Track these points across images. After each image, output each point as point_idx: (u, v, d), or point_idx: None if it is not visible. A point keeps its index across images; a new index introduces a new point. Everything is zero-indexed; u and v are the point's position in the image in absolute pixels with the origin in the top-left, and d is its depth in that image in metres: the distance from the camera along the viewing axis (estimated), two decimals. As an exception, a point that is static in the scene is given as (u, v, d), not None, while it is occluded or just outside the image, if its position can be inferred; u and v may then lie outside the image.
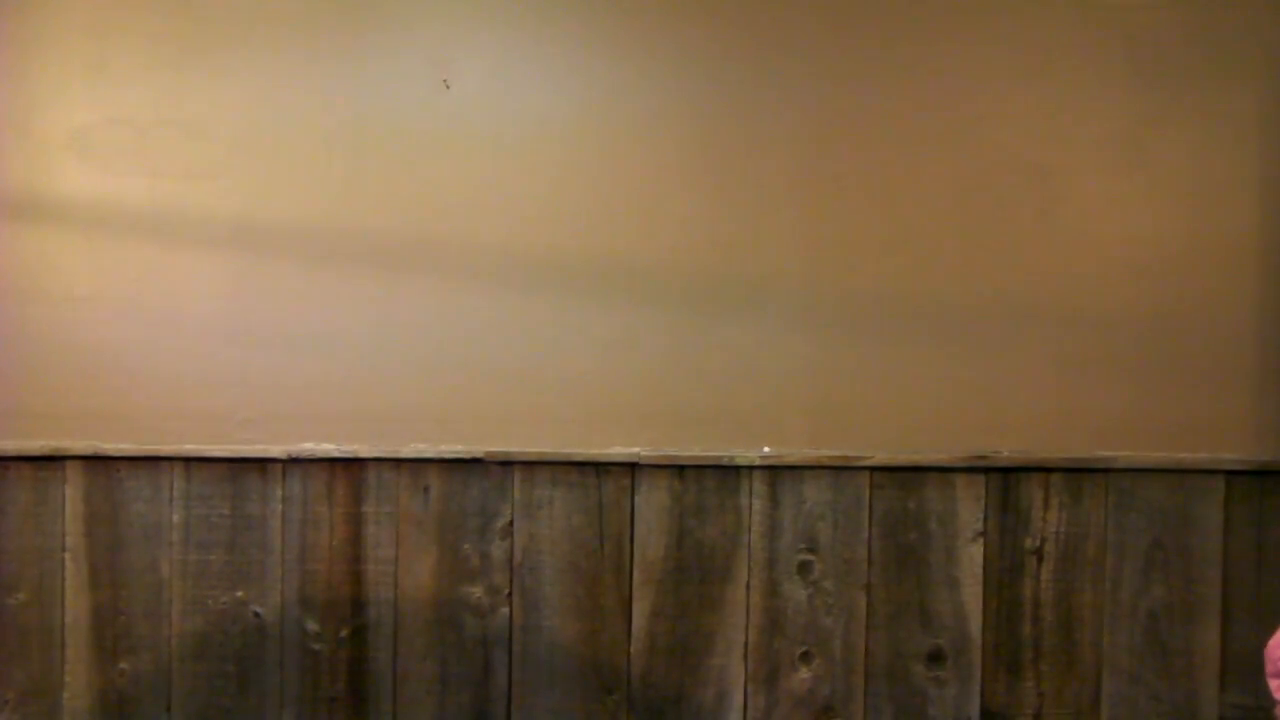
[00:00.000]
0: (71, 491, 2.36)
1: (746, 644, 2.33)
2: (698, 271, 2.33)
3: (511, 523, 2.34)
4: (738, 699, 2.33)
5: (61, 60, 2.37)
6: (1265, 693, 1.78)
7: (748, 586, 2.32)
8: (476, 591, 2.34)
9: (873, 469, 2.31)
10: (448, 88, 2.35)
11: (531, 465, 2.33)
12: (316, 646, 2.36)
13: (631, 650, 2.33)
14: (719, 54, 2.34)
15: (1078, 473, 2.30)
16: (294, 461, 2.35)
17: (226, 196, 2.36)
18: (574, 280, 2.34)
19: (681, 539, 2.33)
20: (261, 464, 2.35)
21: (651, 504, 2.33)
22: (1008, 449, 2.31)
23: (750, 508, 2.32)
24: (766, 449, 2.32)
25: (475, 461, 2.33)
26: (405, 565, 2.35)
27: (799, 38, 2.33)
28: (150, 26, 2.36)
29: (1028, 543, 2.31)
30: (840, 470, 2.31)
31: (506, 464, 2.34)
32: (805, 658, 2.32)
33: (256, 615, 2.36)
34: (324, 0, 2.36)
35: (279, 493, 2.35)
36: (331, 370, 2.36)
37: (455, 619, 2.35)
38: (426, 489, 2.35)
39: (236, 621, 2.36)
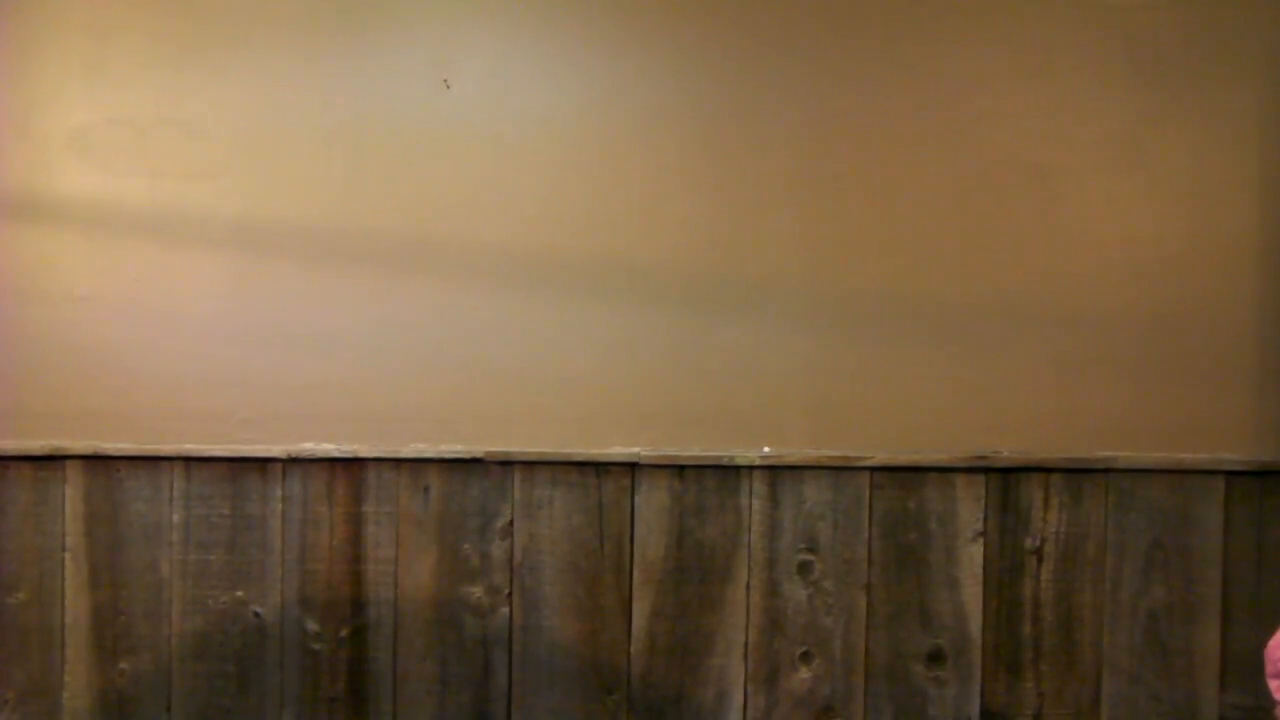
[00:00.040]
0: (71, 491, 2.36)
1: (746, 644, 2.33)
2: (698, 271, 2.33)
3: (511, 523, 2.34)
4: (738, 699, 2.33)
5: (61, 60, 2.37)
6: (1265, 693, 1.78)
7: (748, 586, 2.32)
8: (476, 591, 2.34)
9: (873, 469, 2.31)
10: (448, 87, 2.35)
11: (531, 465, 2.33)
12: (316, 646, 2.36)
13: (631, 650, 2.33)
14: (719, 53, 2.34)
15: (1078, 473, 2.30)
16: (294, 461, 2.35)
17: (226, 196, 2.36)
18: (574, 280, 2.34)
19: (681, 539, 2.33)
20: (261, 464, 2.35)
21: (651, 504, 2.33)
22: (1008, 449, 2.31)
23: (750, 508, 2.32)
24: (766, 449, 2.32)
25: (475, 461, 2.33)
26: (405, 565, 2.35)
27: (799, 37, 2.33)
28: (150, 26, 2.36)
29: (1028, 543, 2.31)
30: (840, 470, 2.31)
31: (506, 464, 2.34)
32: (805, 658, 2.32)
33: (256, 615, 2.36)
34: (324, 0, 2.36)
35: (279, 492, 2.35)
36: (331, 370, 2.36)
37: (455, 619, 2.35)
38: (426, 489, 2.35)
39: (236, 621, 2.36)
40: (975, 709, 2.31)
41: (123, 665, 2.37)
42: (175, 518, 2.36)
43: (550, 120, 2.35)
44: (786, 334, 2.33)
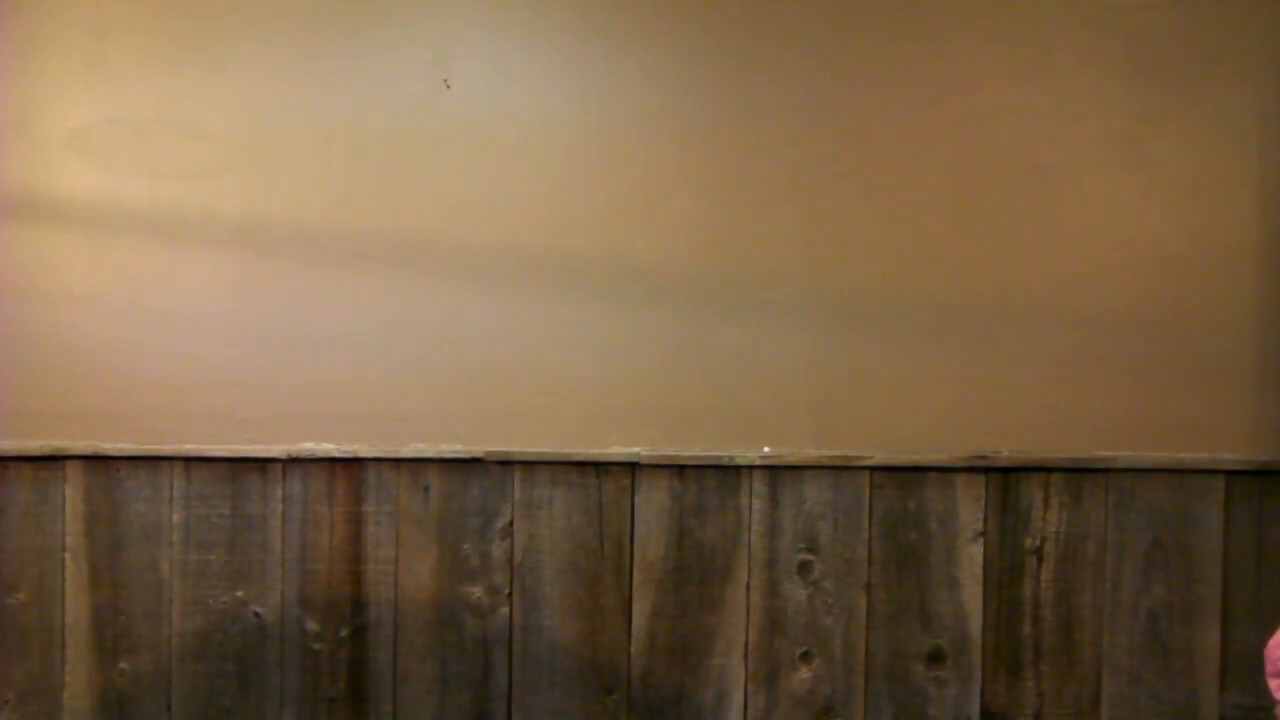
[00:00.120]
0: (71, 491, 2.36)
1: (746, 644, 2.33)
2: (698, 270, 2.33)
3: (511, 522, 2.34)
4: (738, 699, 2.33)
5: (61, 59, 2.36)
6: (1265, 692, 1.78)
7: (748, 586, 2.32)
8: (477, 591, 2.34)
9: (873, 469, 2.31)
10: (448, 87, 2.35)
11: (532, 465, 2.33)
12: (316, 646, 2.36)
13: (632, 650, 2.33)
14: (720, 51, 2.34)
15: (1078, 473, 2.30)
16: (294, 461, 2.35)
17: (226, 196, 2.36)
18: (574, 279, 2.34)
19: (682, 539, 2.33)
20: (262, 464, 2.35)
21: (652, 504, 2.33)
22: (1008, 449, 2.31)
23: (750, 507, 2.32)
24: (766, 449, 2.32)
25: (475, 461, 2.33)
26: (405, 565, 2.35)
27: (800, 36, 2.33)
28: (150, 26, 2.36)
29: (1028, 543, 2.31)
30: (840, 470, 2.31)
31: (506, 464, 2.34)
32: (805, 658, 2.32)
33: (257, 615, 2.36)
34: (324, -1, 2.37)
35: (279, 492, 2.35)
36: (331, 370, 2.35)
37: (455, 619, 2.35)
38: (426, 489, 2.35)
39: (236, 621, 2.36)
40: (975, 709, 2.31)
41: (123, 665, 2.37)
42: (175, 518, 2.36)
43: (550, 119, 2.35)
44: (786, 333, 2.33)
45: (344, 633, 2.35)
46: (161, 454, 2.35)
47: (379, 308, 2.35)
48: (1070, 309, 2.31)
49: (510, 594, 2.34)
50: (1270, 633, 1.79)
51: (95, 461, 2.36)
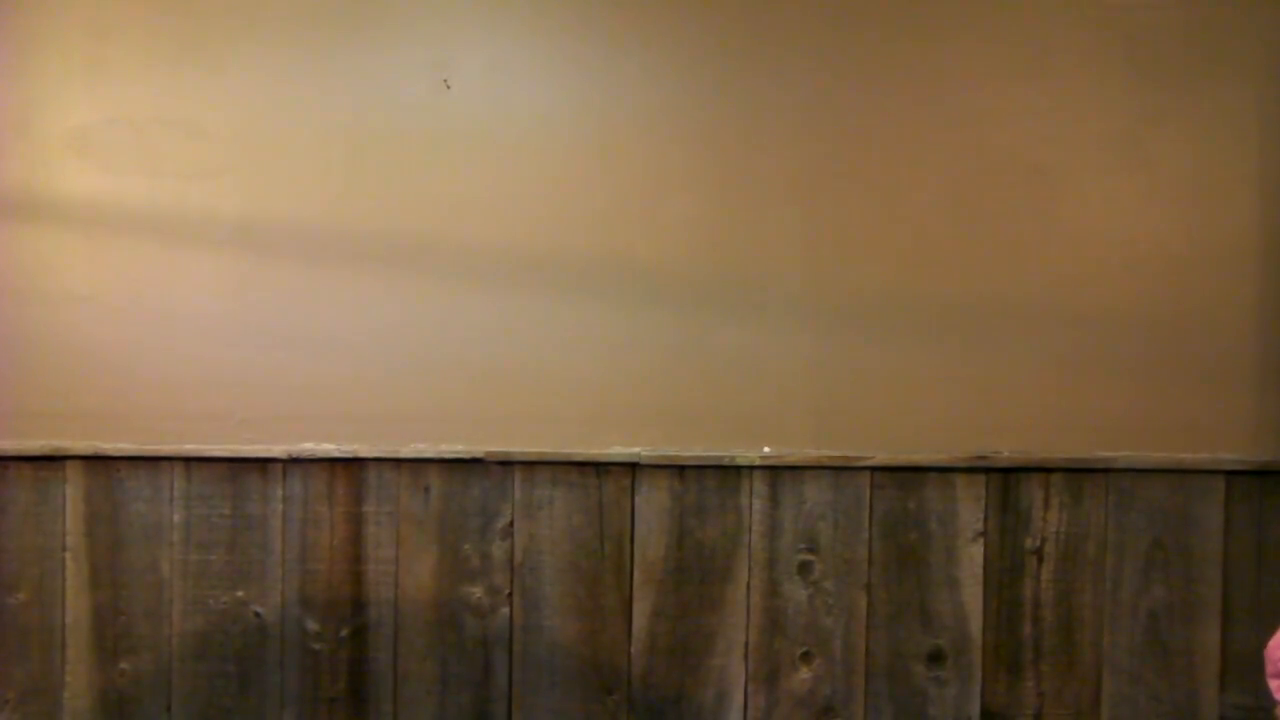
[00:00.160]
0: (72, 491, 2.36)
1: (747, 644, 2.33)
2: (698, 271, 2.33)
3: (512, 523, 2.34)
4: (738, 699, 2.33)
5: (60, 59, 2.36)
6: (1265, 693, 1.78)
7: (748, 586, 2.33)
8: (477, 591, 2.34)
9: (873, 469, 2.31)
10: (448, 87, 2.35)
11: (532, 465, 2.33)
12: (317, 646, 2.36)
13: (632, 650, 2.33)
14: (720, 51, 2.34)
15: (1078, 473, 2.30)
16: (294, 461, 2.35)
17: (226, 196, 2.36)
18: (575, 279, 2.34)
19: (682, 539, 2.33)
20: (262, 464, 2.35)
21: (652, 504, 2.33)
22: (1008, 449, 2.31)
23: (751, 508, 2.32)
24: (767, 449, 2.32)
25: (476, 461, 2.33)
26: (406, 565, 2.35)
27: (800, 35, 2.33)
28: (149, 25, 2.36)
29: (1028, 543, 2.31)
30: (841, 470, 2.31)
31: (507, 464, 2.34)
32: (806, 658, 2.32)
33: (257, 615, 2.36)
34: (324, -1, 2.37)
35: (279, 492, 2.35)
36: (332, 370, 2.35)
37: (456, 619, 2.35)
38: (427, 489, 2.35)
39: (237, 621, 2.36)
40: (975, 709, 2.31)
41: (123, 665, 2.37)
42: (176, 518, 2.36)
43: (551, 120, 2.35)
44: (786, 333, 2.33)
45: (344, 633, 2.35)
46: (162, 454, 2.35)
47: (379, 308, 2.35)
48: (1070, 309, 2.31)
49: (510, 594, 2.34)
50: (1270, 633, 1.79)
51: (95, 461, 2.36)
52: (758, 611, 2.33)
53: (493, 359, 2.35)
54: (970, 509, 2.31)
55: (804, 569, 2.32)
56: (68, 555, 2.36)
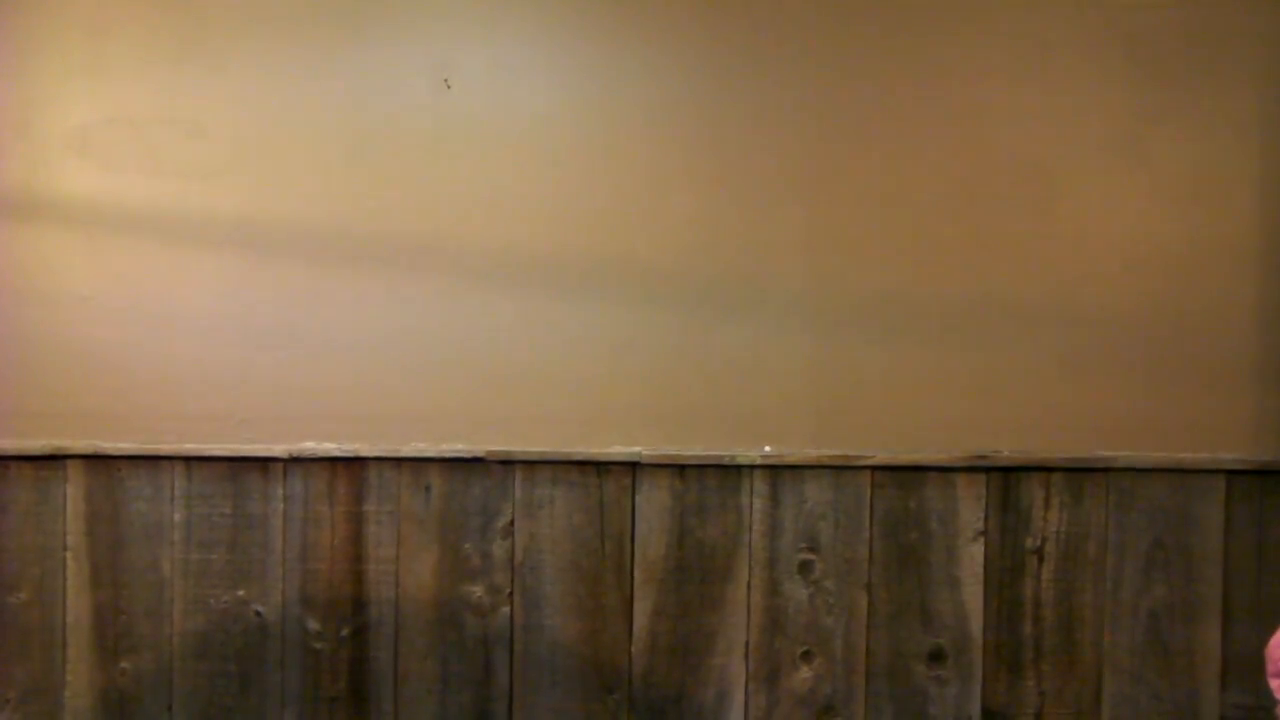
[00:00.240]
0: (73, 490, 2.36)
1: (747, 643, 2.33)
2: (699, 270, 2.33)
3: (513, 522, 2.34)
4: (739, 698, 2.33)
5: (60, 59, 2.36)
6: (1266, 692, 1.79)
7: (749, 586, 2.33)
8: (478, 591, 2.34)
9: (874, 468, 2.31)
10: (449, 87, 2.35)
11: (533, 464, 2.33)
12: (318, 646, 2.36)
13: (633, 650, 2.33)
14: (721, 49, 2.34)
15: (1078, 472, 2.31)
16: (295, 460, 2.35)
17: (227, 195, 2.36)
18: (576, 279, 2.34)
19: (683, 538, 2.33)
20: (263, 463, 2.35)
21: (653, 503, 2.33)
22: (1008, 448, 2.31)
23: (751, 507, 2.32)
24: (767, 448, 2.32)
25: (476, 461, 2.33)
26: (406, 564, 2.35)
27: (801, 33, 2.33)
28: (150, 24, 2.36)
29: (1028, 542, 2.31)
30: (841, 470, 2.31)
31: (508, 463, 2.34)
32: (806, 657, 2.33)
33: (258, 614, 2.36)
34: (324, -2, 2.37)
35: (280, 492, 2.36)
36: (333, 370, 2.35)
37: (456, 618, 2.35)
38: (428, 488, 2.35)
39: (238, 621, 2.36)
40: (976, 708, 2.31)
41: (124, 664, 2.37)
42: (176, 517, 2.36)
43: (551, 120, 2.35)
44: (787, 333, 2.33)
45: (345, 632, 2.36)
46: (162, 453, 2.36)
47: (380, 307, 2.35)
48: (1071, 308, 2.31)
49: (511, 593, 2.34)
50: (1271, 632, 1.79)
51: (96, 461, 2.36)
52: (758, 611, 2.33)
53: (493, 358, 2.35)
54: (971, 508, 2.31)
55: (805, 568, 2.32)
56: (68, 555, 2.36)
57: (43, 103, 2.36)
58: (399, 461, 2.34)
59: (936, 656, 2.32)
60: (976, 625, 2.31)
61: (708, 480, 2.32)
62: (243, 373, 2.36)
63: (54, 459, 2.35)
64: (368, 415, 2.35)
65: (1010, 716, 2.31)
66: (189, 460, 2.36)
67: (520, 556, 2.34)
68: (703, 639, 2.33)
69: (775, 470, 2.32)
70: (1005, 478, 2.31)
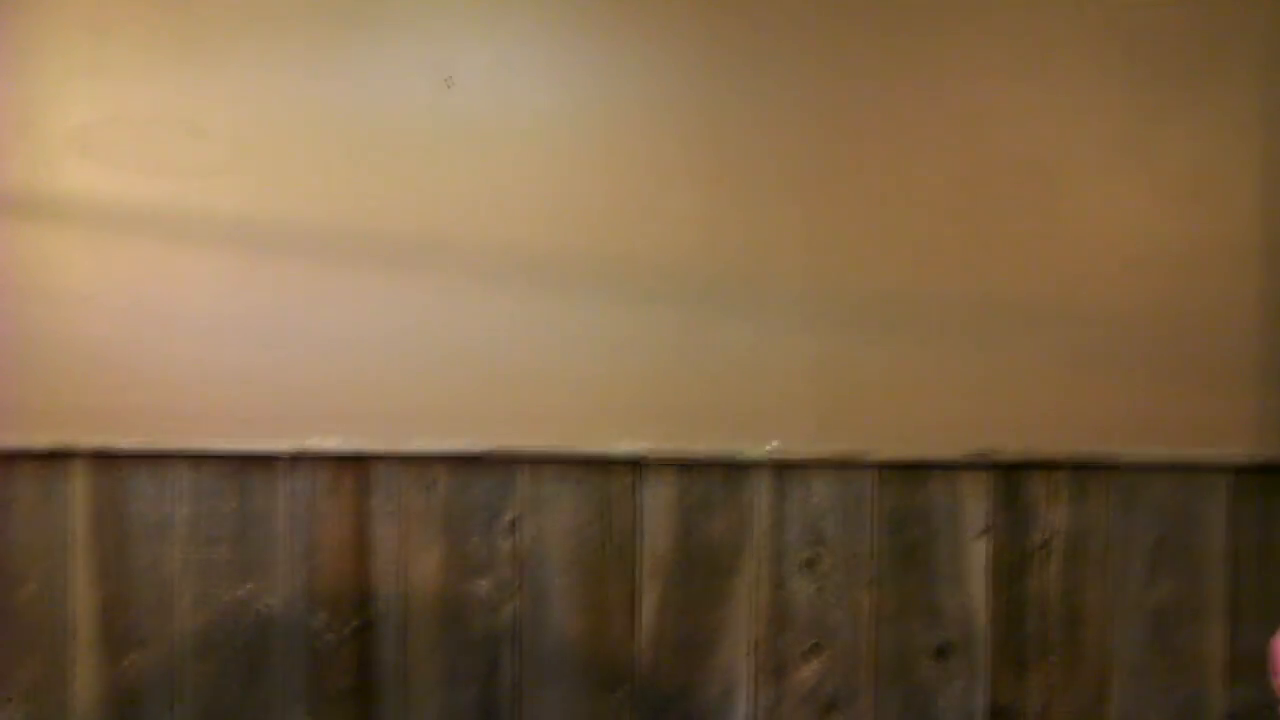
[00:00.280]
0: (78, 487, 2.37)
1: (753, 639, 2.34)
2: (702, 268, 2.33)
3: (518, 518, 2.35)
4: (744, 693, 2.34)
5: (61, 58, 2.35)
6: (1270, 689, 1.80)
7: (754, 582, 2.34)
8: (483, 586, 2.35)
9: (878, 466, 2.32)
10: (449, 86, 2.34)
11: (537, 462, 2.34)
12: (323, 641, 2.37)
13: (638, 645, 2.34)
14: (722, 47, 2.33)
15: (1082, 469, 2.31)
16: (300, 457, 2.36)
17: (229, 194, 2.36)
18: (579, 277, 2.34)
19: (688, 535, 2.34)
20: (267, 460, 2.36)
21: (658, 500, 2.34)
22: (1012, 446, 2.31)
23: (756, 504, 2.33)
24: (771, 445, 2.32)
25: (481, 457, 2.34)
26: (412, 560, 2.36)
27: (802, 31, 2.32)
28: (151, 23, 2.35)
29: (1033, 539, 2.32)
30: (846, 467, 2.32)
31: (512, 460, 2.34)
32: (812, 652, 2.34)
33: (263, 610, 2.37)
34: (326, -4, 2.36)
35: (285, 488, 2.36)
36: (336, 367, 2.36)
37: (462, 614, 2.36)
38: (433, 485, 2.35)
39: (243, 616, 2.37)
40: (982, 703, 2.33)
41: (130, 660, 2.37)
42: (182, 514, 2.36)
43: (552, 118, 2.34)
44: (791, 331, 2.33)
45: (351, 628, 2.36)
46: (167, 451, 2.36)
47: (383, 305, 2.35)
48: (1073, 306, 2.31)
49: (516, 589, 2.35)
50: (1275, 630, 1.81)
51: (101, 458, 2.36)
52: (764, 606, 2.34)
53: (497, 356, 2.35)
54: (975, 505, 2.32)
55: (810, 564, 2.33)
56: (74, 551, 2.36)
57: (44, 102, 2.36)
58: (404, 459, 2.35)
59: (942, 652, 2.33)
60: (981, 621, 2.32)
61: (712, 477, 2.33)
62: (245, 371, 2.36)
63: (59, 456, 2.36)
64: (371, 413, 2.35)
65: (1016, 711, 2.32)
66: (193, 457, 2.36)
67: (525, 553, 2.35)
68: (708, 634, 2.34)
69: (779, 467, 2.32)
70: (1009, 475, 2.31)
